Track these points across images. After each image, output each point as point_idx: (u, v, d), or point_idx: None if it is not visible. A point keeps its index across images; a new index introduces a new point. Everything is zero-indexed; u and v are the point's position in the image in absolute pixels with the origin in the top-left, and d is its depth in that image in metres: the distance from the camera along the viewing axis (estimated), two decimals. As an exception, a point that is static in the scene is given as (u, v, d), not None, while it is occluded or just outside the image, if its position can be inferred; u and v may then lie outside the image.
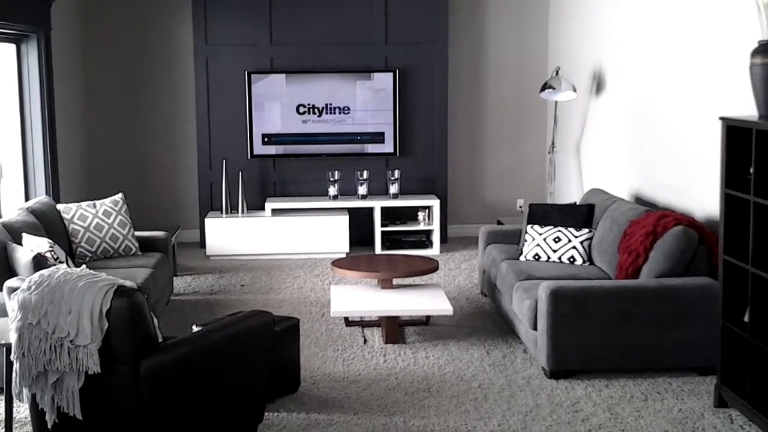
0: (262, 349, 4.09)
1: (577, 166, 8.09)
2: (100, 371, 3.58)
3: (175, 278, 6.88)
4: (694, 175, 5.70)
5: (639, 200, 6.50)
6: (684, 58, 5.84)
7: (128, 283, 3.72)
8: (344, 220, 8.17)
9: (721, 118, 4.39)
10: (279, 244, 8.13)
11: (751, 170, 4.19)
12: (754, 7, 4.33)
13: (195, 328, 4.35)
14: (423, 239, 8.38)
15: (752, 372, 4.20)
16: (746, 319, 4.29)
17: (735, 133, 4.32)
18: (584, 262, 5.97)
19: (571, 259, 5.98)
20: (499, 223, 8.29)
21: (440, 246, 8.32)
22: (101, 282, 3.66)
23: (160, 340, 3.80)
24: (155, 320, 3.84)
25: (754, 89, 4.24)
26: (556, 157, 8.21)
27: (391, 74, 8.45)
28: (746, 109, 4.73)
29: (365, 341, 5.59)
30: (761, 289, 4.12)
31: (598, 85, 7.54)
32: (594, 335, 4.90)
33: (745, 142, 4.25)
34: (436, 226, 8.32)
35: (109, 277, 3.73)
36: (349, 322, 5.92)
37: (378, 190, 8.50)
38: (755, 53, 4.20)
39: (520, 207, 9.01)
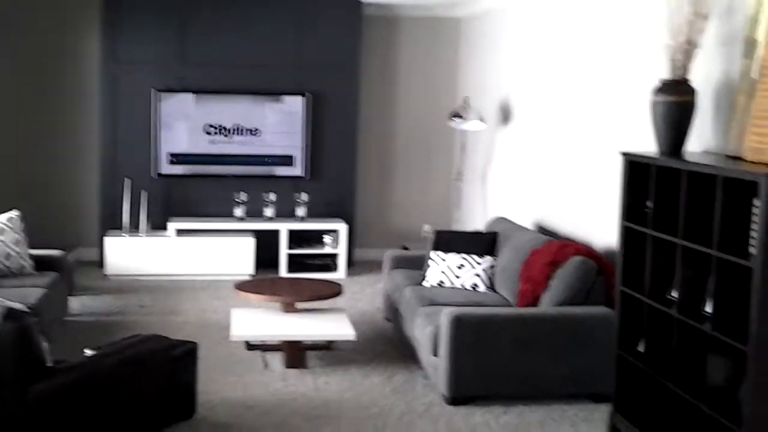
0: (158, 375, 3.99)
1: (483, 194, 8.18)
2: (-17, 396, 3.44)
3: (71, 298, 6.67)
4: (593, 206, 5.82)
5: (541, 230, 6.61)
6: (586, 93, 5.99)
7: (18, 306, 3.59)
8: (250, 242, 8.08)
9: (622, 154, 4.49)
10: (182, 265, 7.98)
11: (650, 204, 4.29)
12: (656, 46, 4.46)
13: (87, 352, 4.21)
14: (329, 263, 8.35)
15: (646, 401, 4.28)
16: (641, 349, 4.38)
17: (635, 168, 4.43)
18: (487, 289, 6.02)
19: (474, 286, 6.03)
20: (405, 248, 8.32)
21: (346, 270, 8.30)
22: (-12, 302, 3.52)
23: (49, 365, 3.68)
24: (45, 344, 3.71)
25: (654, 126, 4.35)
26: (463, 185, 8.29)
27: (302, 97, 8.42)
28: (644, 144, 4.85)
29: (266, 366, 5.52)
30: (656, 320, 4.21)
31: (505, 115, 7.66)
32: (494, 362, 4.93)
33: (644, 177, 4.36)
34: (342, 250, 8.29)
35: (-2, 298, 3.59)
36: (250, 346, 5.83)
37: (285, 212, 8.44)
38: (657, 91, 4.32)
39: (426, 232, 9.05)
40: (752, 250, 3.51)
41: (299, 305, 5.91)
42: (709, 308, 3.82)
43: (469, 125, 7.73)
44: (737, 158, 3.99)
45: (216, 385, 5.11)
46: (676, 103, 4.27)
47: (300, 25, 8.46)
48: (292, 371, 5.41)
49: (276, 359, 5.62)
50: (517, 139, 7.40)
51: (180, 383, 4.42)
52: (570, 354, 4.96)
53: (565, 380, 4.99)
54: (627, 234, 4.47)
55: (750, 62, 4.01)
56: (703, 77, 4.39)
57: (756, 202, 3.50)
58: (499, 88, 7.81)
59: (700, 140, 4.47)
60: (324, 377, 5.34)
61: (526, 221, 6.94)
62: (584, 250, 5.33)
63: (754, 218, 3.51)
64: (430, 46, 9.00)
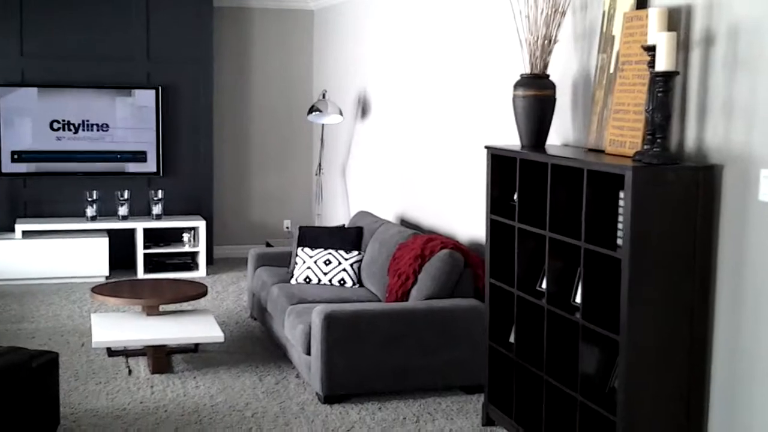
0: (18, 389, 3.77)
1: (344, 189, 8.17)
2: None
3: None
4: (456, 199, 5.90)
5: (405, 223, 6.65)
6: (446, 86, 6.05)
7: None
8: (103, 242, 7.78)
9: (487, 147, 4.56)
10: (31, 268, 7.60)
11: (515, 197, 4.38)
12: (516, 40, 4.55)
13: (-61, 367, 3.93)
14: (188, 261, 8.14)
15: (518, 391, 4.38)
16: (512, 339, 4.48)
17: (499, 161, 4.50)
18: (354, 284, 6.01)
19: (342, 282, 6.01)
20: (269, 245, 8.21)
21: (207, 268, 8.11)
22: None
23: None
24: None
25: (516, 120, 4.44)
26: (323, 179, 8.25)
27: (153, 91, 8.16)
28: (506, 137, 4.96)
29: (130, 372, 5.32)
30: (525, 310, 4.30)
31: (363, 109, 7.67)
32: (367, 358, 4.92)
33: (508, 170, 4.44)
34: (202, 248, 8.10)
35: None
36: (112, 352, 5.60)
37: (140, 210, 8.16)
38: (517, 86, 4.41)
39: (287, 228, 8.98)
40: (619, 242, 3.63)
41: (162, 307, 5.73)
42: (578, 299, 3.94)
43: (328, 119, 7.69)
44: (598, 151, 4.12)
45: (79, 395, 4.88)
46: (536, 97, 4.36)
47: (149, 15, 8.19)
48: (159, 377, 5.24)
49: (140, 365, 5.42)
50: (377, 133, 7.42)
51: (42, 396, 4.18)
52: (441, 347, 5.01)
53: (437, 373, 5.03)
54: (494, 227, 4.54)
55: (607, 57, 4.15)
56: (562, 72, 4.52)
57: (622, 194, 3.62)
58: (356, 80, 7.81)
59: (560, 134, 4.60)
60: (192, 381, 5.19)
61: (389, 215, 6.98)
62: (450, 243, 5.39)
63: (621, 210, 3.64)
64: (283, 38, 8.90)
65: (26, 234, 7.70)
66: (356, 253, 6.12)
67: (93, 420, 4.56)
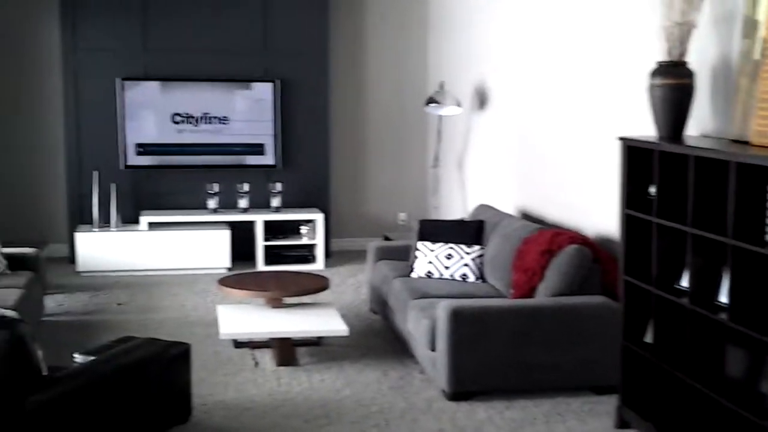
0: (154, 380, 3.82)
1: (460, 181, 8.08)
2: (-21, 412, 3.24)
3: (45, 297, 6.43)
4: (583, 192, 5.74)
5: (526, 217, 6.51)
6: (575, 75, 5.88)
7: (9, 313, 3.40)
8: (225, 234, 7.89)
9: (621, 139, 4.40)
10: (156, 259, 7.77)
11: (652, 191, 4.21)
12: (650, 26, 4.37)
13: (77, 357, 4.03)
14: (306, 254, 8.19)
15: (656, 393, 4.21)
16: (648, 339, 4.31)
17: (634, 153, 4.34)
18: (476, 279, 5.92)
19: (464, 277, 5.92)
20: (387, 238, 8.18)
21: (324, 260, 8.14)
22: (-21, 312, 3.32)
23: (45, 373, 3.49)
24: (39, 352, 3.52)
25: (653, 110, 4.27)
26: (440, 172, 8.16)
27: (270, 84, 8.23)
28: (638, 127, 4.77)
29: (256, 364, 5.36)
30: (664, 309, 4.13)
31: (482, 100, 7.55)
32: (493, 356, 4.83)
33: (643, 163, 4.28)
34: (319, 241, 8.14)
35: (-13, 307, 3.39)
36: (237, 343, 5.66)
37: (259, 203, 8.25)
38: (654, 74, 4.23)
39: (402, 220, 8.94)
40: (770, 239, 3.44)
41: (285, 300, 5.76)
42: (723, 298, 3.76)
43: (446, 110, 7.60)
44: (742, 142, 3.92)
45: (208, 386, 4.94)
46: (674, 86, 4.18)
47: (267, 9, 8.25)
48: (285, 369, 5.26)
49: (266, 357, 5.46)
50: (496, 124, 7.29)
51: (175, 387, 4.24)
52: (570, 345, 4.88)
53: (565, 372, 4.90)
54: (629, 222, 4.38)
55: (751, 43, 3.94)
56: (699, 58, 4.31)
57: (774, 189, 3.43)
58: (474, 70, 7.69)
59: (698, 124, 4.40)
60: (318, 375, 5.19)
61: (509, 208, 6.84)
62: (579, 237, 5.24)
63: (771, 206, 3.44)
64: (398, 28, 8.85)
65: (151, 225, 7.87)
66: (477, 247, 6.03)
67: (223, 412, 4.61)
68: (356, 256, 8.31)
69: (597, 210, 5.52)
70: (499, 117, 7.24)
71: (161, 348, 3.85)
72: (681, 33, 4.16)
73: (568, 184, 5.97)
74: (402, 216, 8.97)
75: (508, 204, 6.90)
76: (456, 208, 8.11)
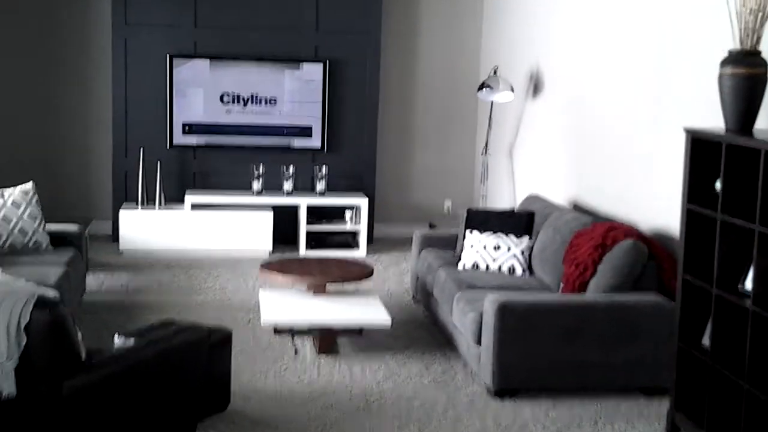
0: (195, 367, 3.73)
1: (509, 170, 7.89)
2: (15, 393, 3.16)
3: (86, 275, 6.38)
4: (639, 185, 5.53)
5: (578, 209, 6.32)
6: (635, 63, 5.67)
7: (51, 293, 3.31)
8: (268, 216, 7.79)
9: (687, 131, 4.20)
10: (198, 240, 7.70)
11: (718, 186, 4.02)
12: (715, 12, 4.15)
13: (117, 339, 3.94)
14: (349, 240, 8.07)
15: (711, 399, 4.03)
16: (705, 342, 4.12)
17: (700, 146, 4.14)
18: (524, 272, 5.75)
19: (512, 269, 5.76)
20: (432, 225, 8.03)
21: (367, 247, 8.01)
22: (19, 290, 3.23)
23: (83, 357, 3.40)
24: (79, 334, 3.43)
25: (722, 100, 4.06)
26: (489, 159, 7.98)
27: (321, 65, 8.09)
28: (702, 117, 4.57)
29: (296, 352, 5.25)
30: (725, 311, 3.94)
31: (535, 87, 7.35)
32: (541, 352, 4.67)
33: (709, 156, 4.08)
34: (363, 227, 8.01)
35: (27, 284, 3.31)
36: (278, 330, 5.55)
37: (304, 186, 8.13)
38: (725, 63, 4.02)
39: (448, 208, 8.78)
40: None
41: (329, 287, 5.64)
42: (791, 303, 3.57)
43: (499, 96, 7.41)
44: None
45: (247, 374, 4.84)
46: (746, 75, 3.97)
47: (320, -12, 8.13)
48: (325, 358, 5.15)
49: (306, 344, 5.35)
50: (550, 112, 7.09)
51: (215, 374, 4.14)
52: (621, 344, 4.70)
53: (614, 372, 4.73)
54: (690, 217, 4.19)
55: (835, 36, 3.72)
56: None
57: None
58: (529, 56, 7.49)
59: (768, 118, 4.19)
60: (358, 365, 5.07)
61: (560, 199, 6.65)
62: (634, 232, 5.05)
63: None
64: (452, 11, 8.66)
65: (195, 206, 7.80)
66: (527, 238, 5.86)
67: (262, 400, 4.51)
68: (400, 243, 8.17)
69: (654, 204, 5.32)
70: (553, 104, 7.04)
71: (202, 334, 3.75)
72: (755, 20, 3.95)
73: (623, 176, 5.77)
74: (447, 204, 8.81)
75: (558, 195, 6.71)
76: (504, 197, 7.93)
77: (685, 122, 4.81)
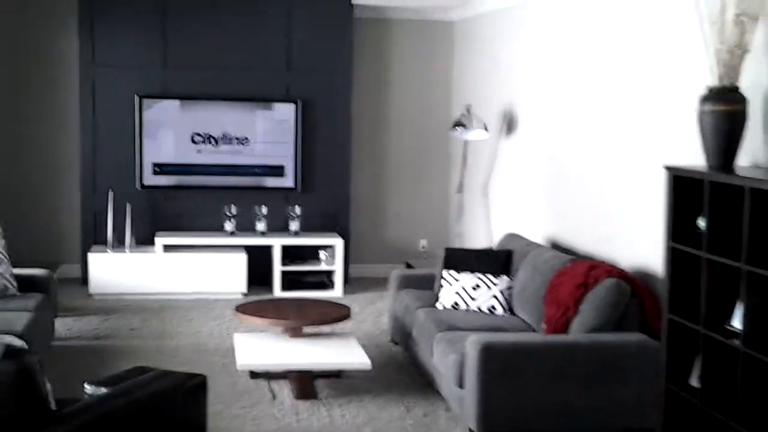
0: (170, 416, 3.58)
1: (485, 208, 7.83)
2: (-20, 449, 3.00)
3: (55, 320, 6.20)
4: (619, 223, 5.48)
5: (556, 247, 6.25)
6: (610, 99, 5.64)
7: (17, 342, 3.16)
8: (242, 258, 7.66)
9: (668, 168, 4.15)
10: (170, 283, 7.54)
11: (701, 224, 3.97)
12: (696, 50, 4.13)
13: (88, 388, 3.78)
14: (324, 280, 7.95)
15: (701, 440, 3.95)
16: (694, 382, 4.05)
17: (681, 183, 4.10)
18: (505, 311, 5.67)
19: (492, 309, 5.67)
20: (409, 266, 7.94)
21: (343, 287, 7.90)
22: (-15, 340, 3.09)
23: (53, 408, 3.24)
24: (48, 385, 3.28)
25: (702, 137, 4.03)
26: (463, 198, 7.92)
27: (292, 105, 8.03)
28: (679, 155, 4.54)
29: (274, 397, 5.11)
30: (713, 351, 3.87)
31: (509, 125, 7.32)
32: (525, 394, 4.56)
33: (691, 194, 4.04)
34: (338, 266, 7.89)
35: (-7, 334, 3.16)
36: (254, 374, 5.41)
37: (277, 226, 8.02)
38: (705, 100, 4.00)
39: (423, 247, 8.70)
40: (839, 280, 3.19)
41: (305, 329, 5.51)
42: (781, 341, 3.50)
43: (473, 135, 7.37)
44: (805, 175, 3.67)
45: (224, 419, 4.69)
46: (726, 112, 3.95)
47: (290, 27, 8.07)
48: (303, 403, 5.01)
49: (283, 389, 5.21)
50: (524, 149, 7.05)
51: (191, 422, 3.98)
52: (605, 385, 4.61)
53: (599, 414, 4.62)
54: (675, 256, 4.13)
55: (816, 71, 3.70)
56: (752, 84, 4.06)
57: (844, 227, 3.17)
58: (501, 95, 7.47)
59: (749, 153, 4.14)
60: (338, 409, 4.94)
61: (537, 238, 6.59)
62: (616, 271, 4.98)
63: (841, 245, 3.19)
64: (423, 50, 8.66)
65: (167, 248, 7.65)
66: (506, 278, 5.78)
67: (238, 448, 4.37)
68: (376, 283, 8.07)
69: (634, 242, 5.26)
70: (527, 142, 7.00)
71: (177, 381, 3.61)
72: (733, 57, 3.93)
73: (602, 215, 5.72)
74: (423, 243, 8.73)
75: (536, 233, 6.65)
76: (480, 236, 7.87)
77: (662, 159, 4.79)
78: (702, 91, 4.05)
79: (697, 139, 4.19)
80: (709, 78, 4.06)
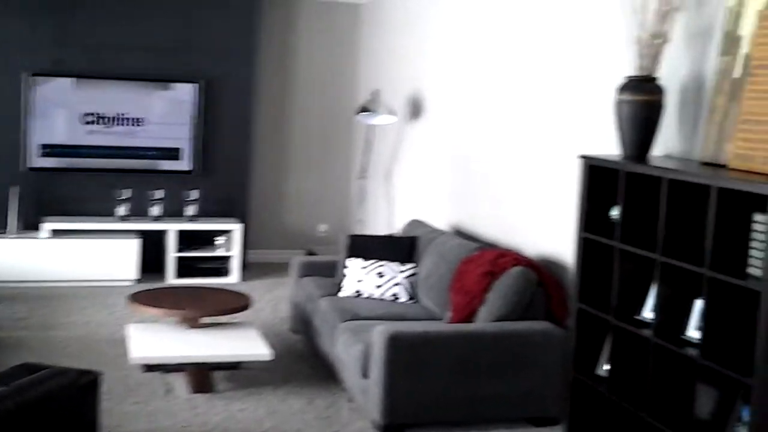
0: (61, 415, 3.33)
1: (387, 194, 7.71)
2: None
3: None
4: (524, 211, 5.42)
5: (460, 234, 6.17)
6: (519, 86, 5.57)
7: None
8: (134, 244, 7.34)
9: (582, 157, 4.10)
10: (59, 270, 7.16)
11: (614, 214, 3.93)
12: (613, 38, 4.09)
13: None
14: (221, 266, 7.69)
15: (609, 430, 3.91)
16: (601, 372, 4.01)
17: (595, 173, 4.05)
18: (409, 299, 5.56)
19: (395, 296, 5.56)
20: (310, 252, 7.75)
21: (240, 274, 7.66)
22: None
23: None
24: None
25: (619, 127, 3.98)
26: (365, 183, 7.76)
27: (192, 85, 7.72)
28: (585, 144, 4.50)
29: (169, 391, 4.86)
30: (623, 341, 3.83)
31: (415, 110, 7.21)
32: (432, 385, 4.46)
33: (603, 184, 4.00)
34: (236, 252, 7.65)
35: None
36: (148, 367, 5.15)
37: (173, 211, 7.71)
38: (623, 89, 3.94)
39: (323, 232, 8.53)
40: (752, 271, 3.17)
41: (202, 319, 5.28)
42: (692, 332, 3.48)
43: (379, 120, 7.23)
44: (716, 165, 3.65)
45: (116, 416, 4.43)
46: (644, 102, 3.90)
47: (192, 4, 7.76)
48: (200, 396, 4.79)
49: (179, 382, 4.97)
50: (431, 135, 6.95)
51: (82, 422, 3.73)
52: (512, 374, 4.54)
53: (504, 403, 4.56)
54: (586, 246, 4.08)
55: (731, 60, 3.68)
56: (667, 75, 4.02)
57: (758, 217, 3.16)
58: (408, 79, 7.34)
59: (662, 143, 4.12)
60: (237, 403, 4.74)
61: (441, 225, 6.49)
62: (523, 259, 4.92)
63: (755, 235, 3.17)
64: (330, 33, 8.46)
65: (55, 233, 7.26)
66: (410, 265, 5.67)
67: (132, 445, 4.13)
68: (274, 269, 7.87)
69: (540, 231, 5.22)
70: (433, 128, 6.90)
71: (71, 380, 3.37)
72: (653, 47, 3.88)
73: (507, 203, 5.65)
74: (323, 228, 8.56)
75: (440, 220, 6.55)
76: (381, 222, 7.74)
77: (569, 149, 4.76)
78: (617, 80, 4.00)
79: (607, 129, 4.16)
80: (625, 67, 4.01)
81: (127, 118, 7.66)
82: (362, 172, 7.71)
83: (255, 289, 7.26)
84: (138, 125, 7.68)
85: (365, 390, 4.58)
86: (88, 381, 3.73)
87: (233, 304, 5.33)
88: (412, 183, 7.27)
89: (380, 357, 4.41)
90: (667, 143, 4.12)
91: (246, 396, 4.84)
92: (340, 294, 5.64)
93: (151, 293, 5.46)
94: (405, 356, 4.41)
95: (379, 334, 4.45)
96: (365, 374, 4.57)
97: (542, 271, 4.88)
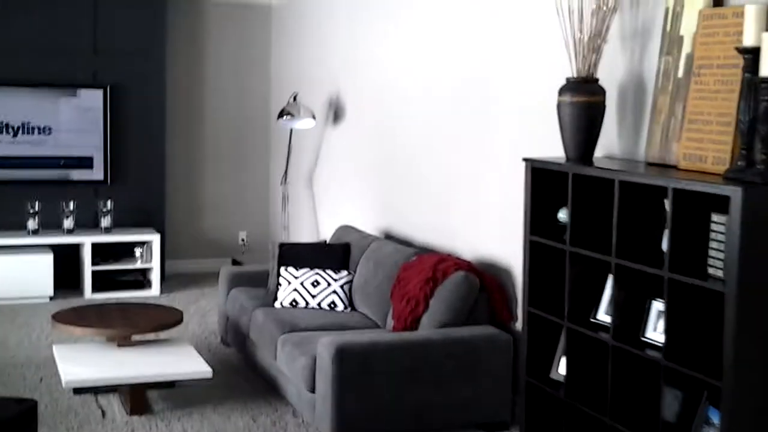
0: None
1: (310, 200, 7.58)
2: None
3: None
4: (457, 215, 5.37)
5: (392, 239, 6.08)
6: (450, 92, 5.50)
7: None
8: (47, 258, 7.00)
9: (527, 160, 4.07)
10: (-34, 288, 6.78)
11: (562, 216, 3.91)
12: (535, 39, 4.07)
13: None
14: (140, 279, 7.43)
15: (565, 435, 3.90)
16: (556, 376, 3.99)
17: (539, 176, 4.03)
18: (346, 307, 5.45)
19: (332, 305, 5.44)
20: (236, 262, 7.54)
21: (160, 285, 7.40)
22: None
23: None
24: None
25: (561, 129, 3.96)
26: (288, 189, 7.61)
27: (100, 91, 7.43)
28: (521, 146, 4.50)
29: (104, 414, 4.63)
30: (578, 344, 3.82)
31: (336, 114, 7.09)
32: (381, 395, 4.36)
33: (548, 186, 3.99)
34: (155, 264, 7.39)
35: None
36: (77, 389, 4.90)
37: (87, 222, 7.39)
38: (564, 91, 3.93)
39: (243, 240, 8.33)
40: (712, 271, 3.19)
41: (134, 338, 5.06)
42: (651, 334, 3.49)
43: (300, 124, 7.08)
44: (664, 166, 3.67)
45: (51, 445, 4.20)
46: (585, 103, 3.90)
47: (96, 7, 7.45)
48: (138, 419, 4.57)
49: (114, 404, 4.74)
50: (353, 139, 6.84)
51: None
52: (460, 380, 4.49)
53: (454, 410, 4.50)
54: (533, 249, 4.06)
55: (673, 60, 3.70)
56: (605, 76, 4.03)
57: (717, 217, 3.17)
58: (326, 82, 7.21)
59: (603, 145, 4.11)
60: (178, 423, 4.54)
61: (370, 230, 6.39)
62: (464, 264, 4.87)
63: (714, 235, 3.19)
64: (240, 35, 8.25)
65: (-40, 250, 6.89)
66: (345, 272, 5.56)
67: (71, 476, 3.91)
68: (194, 279, 7.65)
69: (477, 234, 5.17)
70: (357, 132, 6.79)
71: (10, 413, 3.15)
72: (591, 48, 3.88)
73: (442, 206, 5.57)
74: (242, 236, 8.36)
75: (367, 225, 6.45)
76: (306, 228, 7.60)
77: (508, 151, 4.74)
78: (559, 81, 3.99)
79: (550, 131, 4.14)
80: (566, 69, 4.00)
81: (34, 127, 7.32)
82: (284, 178, 7.54)
83: (177, 301, 7.03)
84: (46, 134, 7.34)
85: (312, 404, 4.46)
86: (26, 409, 3.51)
87: (166, 319, 5.12)
88: (336, 188, 7.15)
89: (328, 370, 4.29)
90: (609, 144, 4.12)
91: (186, 416, 4.65)
92: (276, 304, 5.49)
93: (75, 312, 5.20)
94: (353, 368, 4.31)
95: (325, 346, 4.34)
96: (312, 388, 4.45)
97: (484, 275, 4.85)
